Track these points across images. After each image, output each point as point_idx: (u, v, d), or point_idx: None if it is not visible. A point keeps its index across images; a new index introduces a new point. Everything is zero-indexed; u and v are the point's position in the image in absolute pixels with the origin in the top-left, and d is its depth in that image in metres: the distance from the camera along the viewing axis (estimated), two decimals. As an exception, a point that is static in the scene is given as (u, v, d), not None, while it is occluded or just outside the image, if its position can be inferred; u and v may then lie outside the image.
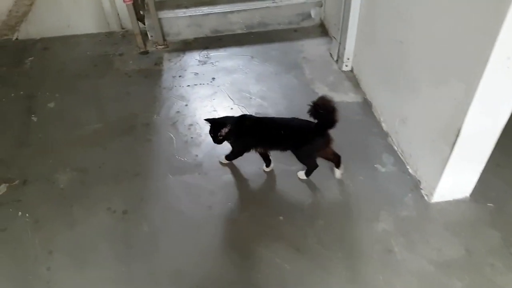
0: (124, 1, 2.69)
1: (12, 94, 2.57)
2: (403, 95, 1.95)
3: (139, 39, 2.86)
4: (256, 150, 1.90)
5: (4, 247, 1.72)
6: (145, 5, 2.92)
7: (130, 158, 2.10)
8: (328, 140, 1.77)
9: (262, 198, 1.91)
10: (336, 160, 1.89)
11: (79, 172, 2.04)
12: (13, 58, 2.92)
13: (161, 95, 2.52)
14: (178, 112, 2.39)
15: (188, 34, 3.04)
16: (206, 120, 1.83)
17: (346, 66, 2.58)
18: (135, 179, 2.00)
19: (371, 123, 2.22)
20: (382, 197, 1.86)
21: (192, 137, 2.22)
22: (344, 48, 2.51)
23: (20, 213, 1.86)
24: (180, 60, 2.83)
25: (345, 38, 2.47)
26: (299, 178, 1.94)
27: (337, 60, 2.66)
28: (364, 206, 1.83)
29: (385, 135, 2.15)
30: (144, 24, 2.97)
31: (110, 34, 3.15)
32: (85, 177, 2.01)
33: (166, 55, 2.88)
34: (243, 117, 1.87)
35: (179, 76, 2.67)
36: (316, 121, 1.68)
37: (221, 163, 2.05)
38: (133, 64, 2.79)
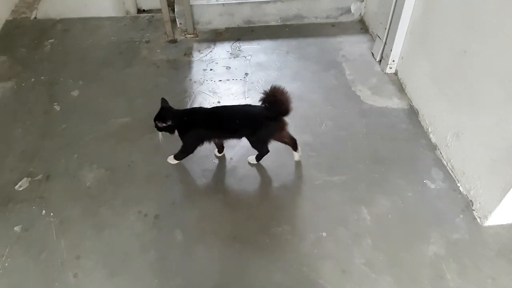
0: (155, -15, 2.54)
1: (33, 79, 2.46)
2: (461, 107, 1.83)
3: (168, 26, 2.72)
4: (210, 142, 1.88)
5: (29, 249, 1.64)
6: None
7: (160, 157, 2.00)
8: (282, 124, 1.77)
9: (301, 210, 1.80)
10: (292, 143, 1.90)
11: (106, 170, 1.94)
12: (32, 39, 2.79)
13: (191, 89, 2.40)
14: (210, 108, 2.28)
15: (220, 23, 2.90)
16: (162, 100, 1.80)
17: (390, 68, 2.44)
18: (165, 181, 1.90)
19: (418, 133, 2.10)
20: (432, 217, 1.75)
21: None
22: (390, 49, 2.37)
23: (44, 211, 1.77)
24: (210, 51, 2.70)
25: (392, 38, 2.33)
26: (249, 163, 1.95)
27: (380, 61, 2.53)
28: (414, 225, 1.72)
29: (433, 147, 2.03)
30: (173, 10, 2.83)
31: (135, 19, 3.01)
32: (113, 175, 1.91)
33: (195, 45, 2.75)
34: (193, 110, 1.89)
35: (210, 70, 2.55)
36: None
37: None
38: (161, 53, 2.66)
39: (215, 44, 2.77)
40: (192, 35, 2.82)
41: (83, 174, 1.92)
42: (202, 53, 2.69)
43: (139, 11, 3.09)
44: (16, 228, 1.70)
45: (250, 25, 2.93)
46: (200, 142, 1.84)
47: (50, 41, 2.76)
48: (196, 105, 2.29)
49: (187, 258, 1.61)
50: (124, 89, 2.39)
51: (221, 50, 2.71)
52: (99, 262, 1.60)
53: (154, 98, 2.32)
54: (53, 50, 2.68)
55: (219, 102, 2.32)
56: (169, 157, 1.95)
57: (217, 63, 2.60)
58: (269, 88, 1.70)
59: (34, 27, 2.92)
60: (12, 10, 3.08)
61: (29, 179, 1.90)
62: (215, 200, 1.83)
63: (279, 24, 2.95)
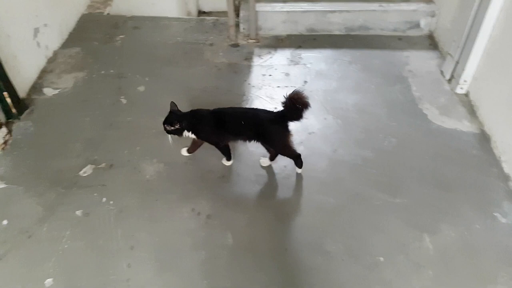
0: (224, -10, 2.61)
1: (103, 72, 2.60)
2: (542, 137, 1.70)
3: (232, 30, 2.78)
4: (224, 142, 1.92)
5: (87, 234, 1.73)
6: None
7: (216, 159, 2.03)
8: (287, 129, 1.79)
9: (358, 231, 1.74)
10: (274, 152, 1.93)
11: (165, 164, 2.00)
12: (105, 33, 2.96)
13: (250, 93, 2.43)
14: (266, 114, 2.29)
15: (282, 30, 2.92)
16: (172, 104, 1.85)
17: (461, 88, 2.32)
18: (220, 182, 1.93)
19: (489, 161, 1.98)
20: (501, 254, 1.63)
21: (281, 145, 2.11)
22: (463, 69, 2.25)
23: (104, 199, 1.86)
24: (271, 57, 2.72)
25: (466, 57, 2.21)
26: (261, 166, 1.97)
27: (450, 80, 2.41)
28: (480, 261, 1.61)
29: (505, 178, 1.90)
30: (238, 15, 2.89)
31: (201, 21, 3.10)
32: (171, 171, 1.98)
33: (256, 50, 2.79)
34: (200, 111, 1.86)
35: (269, 75, 2.56)
36: (281, 111, 1.75)
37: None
38: (223, 56, 2.72)
39: (275, 50, 2.79)
40: (254, 40, 2.86)
41: (144, 166, 1.99)
42: (262, 58, 2.71)
43: (200, 13, 3.19)
44: (78, 212, 1.80)
45: (313, 33, 2.92)
46: (221, 137, 1.88)
47: (121, 36, 2.92)
48: (254, 109, 2.31)
49: (236, 263, 1.62)
50: (186, 88, 2.47)
51: (281, 57, 2.72)
52: (151, 255, 1.65)
53: (213, 99, 2.39)
54: (123, 45, 2.83)
55: (275, 108, 2.32)
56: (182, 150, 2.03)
57: (276, 69, 2.61)
58: (292, 93, 1.73)
59: (107, 22, 3.10)
60: (88, 5, 3.30)
61: (93, 166, 2.00)
62: (266, 207, 1.83)
63: (343, 33, 2.91)
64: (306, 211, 1.81)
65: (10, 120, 2.24)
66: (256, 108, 1.90)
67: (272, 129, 1.79)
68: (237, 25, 2.89)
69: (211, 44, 2.83)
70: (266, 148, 1.95)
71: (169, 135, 1.82)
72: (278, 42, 2.87)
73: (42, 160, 2.03)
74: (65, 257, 1.64)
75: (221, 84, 2.50)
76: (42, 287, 1.54)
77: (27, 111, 2.31)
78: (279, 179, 1.94)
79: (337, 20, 2.86)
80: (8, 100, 2.17)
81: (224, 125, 1.82)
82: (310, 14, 2.85)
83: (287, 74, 2.57)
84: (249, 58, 2.72)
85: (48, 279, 1.57)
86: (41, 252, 1.65)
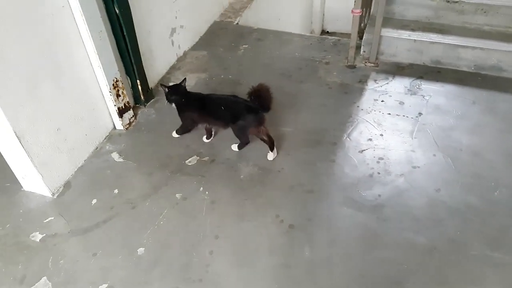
0: (352, 12, 2.70)
1: (222, 76, 2.90)
2: None
3: (352, 52, 2.85)
4: (201, 124, 2.27)
5: (181, 216, 1.95)
6: (368, 19, 2.89)
7: (308, 173, 2.11)
8: (261, 119, 2.10)
9: (447, 279, 1.64)
10: (270, 143, 2.18)
11: (259, 169, 2.15)
12: (231, 41, 3.29)
13: (357, 116, 2.45)
14: (370, 140, 2.29)
15: (404, 57, 2.88)
16: (161, 85, 2.18)
17: None
18: (307, 196, 2.00)
19: None
20: None
21: (379, 173, 2.09)
22: None
23: (201, 188, 2.07)
24: (387, 83, 2.71)
25: None
26: (232, 149, 2.25)
27: None
28: None
29: None
30: (360, 37, 2.94)
31: (321, 40, 3.24)
32: (263, 176, 2.12)
33: (373, 74, 2.80)
34: (191, 94, 2.23)
35: (382, 101, 2.56)
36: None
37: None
38: (336, 76, 2.80)
39: (393, 77, 2.76)
40: (372, 64, 2.88)
41: (240, 167, 2.17)
42: (377, 83, 2.72)
43: (323, 32, 3.32)
44: (177, 195, 2.05)
45: (438, 66, 2.82)
46: (193, 122, 2.28)
47: (244, 46, 3.21)
48: (357, 132, 2.33)
49: (310, 277, 1.67)
50: (294, 101, 2.61)
51: (399, 84, 2.69)
52: (232, 249, 1.79)
53: (318, 116, 2.48)
54: (245, 54, 3.12)
55: (381, 135, 2.31)
56: (173, 132, 2.36)
57: (390, 96, 2.59)
58: (256, 84, 2.08)
59: (234, 31, 3.44)
60: (221, 13, 3.70)
61: (198, 158, 2.25)
62: (353, 231, 1.83)
63: (471, 71, 2.74)
64: (393, 244, 1.77)
65: (137, 105, 2.64)
66: (235, 96, 2.18)
67: (247, 117, 2.10)
68: (357, 47, 2.95)
69: (327, 63, 2.93)
70: (263, 140, 2.19)
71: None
72: (398, 69, 2.83)
73: (157, 144, 2.36)
74: (159, 232, 1.88)
75: (329, 103, 2.58)
76: (135, 254, 1.79)
77: (152, 100, 2.69)
78: (369, 206, 1.93)
79: (467, 56, 2.71)
80: (139, 87, 2.57)
81: (205, 108, 2.18)
82: (438, 46, 2.76)
83: (401, 103, 2.53)
84: (363, 81, 2.74)
85: (141, 248, 1.82)
86: (140, 223, 1.92)
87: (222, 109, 2.15)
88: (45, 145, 1.95)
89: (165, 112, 2.56)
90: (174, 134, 2.38)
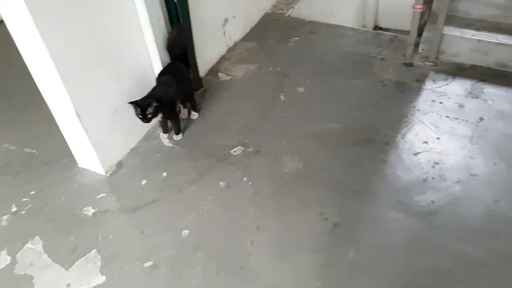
0: (413, 8, 2.65)
1: (271, 68, 2.95)
2: None
3: (409, 49, 2.80)
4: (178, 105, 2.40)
5: (225, 203, 2.02)
6: (429, 16, 2.82)
7: (357, 172, 2.11)
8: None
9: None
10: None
11: (304, 164, 2.18)
12: (281, 33, 3.32)
13: (412, 116, 2.41)
14: (425, 142, 2.25)
15: (467, 58, 2.78)
16: (130, 103, 2.07)
17: None
18: (355, 196, 2.01)
19: None
20: None
21: (433, 178, 2.06)
22: None
23: (245, 178, 2.14)
24: (446, 84, 2.64)
25: None
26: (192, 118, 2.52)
27: None
28: None
29: None
30: (419, 35, 2.88)
31: (377, 35, 3.20)
32: (308, 171, 2.14)
33: (431, 74, 2.73)
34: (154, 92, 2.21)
35: (440, 103, 2.50)
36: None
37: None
38: (392, 73, 2.77)
39: (453, 78, 2.68)
40: (431, 63, 2.81)
41: (285, 160, 2.21)
42: (436, 83, 2.65)
43: (376, 27, 3.27)
44: (221, 183, 2.12)
45: (503, 69, 2.70)
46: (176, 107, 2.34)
47: (295, 38, 3.23)
48: (412, 133, 2.30)
49: (352, 278, 1.68)
50: (344, 97, 2.61)
51: (459, 86, 2.61)
52: (273, 241, 1.84)
53: (370, 114, 2.47)
54: (295, 47, 3.14)
55: (438, 138, 2.26)
56: (175, 136, 2.41)
57: (449, 97, 2.52)
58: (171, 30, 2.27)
59: (286, 23, 3.47)
60: (273, 5, 3.74)
61: (243, 148, 2.32)
62: (401, 236, 1.82)
63: (543, 76, 2.61)
64: (443, 253, 1.74)
65: (187, 93, 2.75)
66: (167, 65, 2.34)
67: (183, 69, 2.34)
68: (416, 45, 2.88)
69: (382, 59, 2.90)
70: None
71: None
72: (459, 70, 2.75)
73: (204, 132, 2.45)
74: (203, 216, 1.96)
75: (383, 101, 2.55)
76: (180, 235, 1.89)
77: (201, 89, 2.79)
78: (421, 212, 1.90)
79: (539, 59, 2.59)
80: (191, 76, 2.67)
81: (168, 91, 2.22)
82: (505, 48, 2.64)
83: (461, 106, 2.46)
84: (421, 80, 2.69)
85: (185, 231, 1.91)
86: (185, 207, 2.02)
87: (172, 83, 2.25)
88: (101, 125, 2.09)
89: (213, 101, 2.65)
90: (176, 137, 2.41)
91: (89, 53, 1.94)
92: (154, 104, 2.09)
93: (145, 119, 2.10)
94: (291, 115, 2.51)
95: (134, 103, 2.08)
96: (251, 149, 2.30)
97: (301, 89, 2.71)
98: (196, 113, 2.53)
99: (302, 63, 2.95)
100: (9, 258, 1.85)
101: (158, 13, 2.20)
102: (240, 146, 2.33)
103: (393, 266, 1.72)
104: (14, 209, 2.05)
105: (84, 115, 1.98)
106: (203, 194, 2.07)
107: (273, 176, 2.13)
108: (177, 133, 2.39)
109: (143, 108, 2.07)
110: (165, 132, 2.42)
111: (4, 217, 2.02)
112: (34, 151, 2.37)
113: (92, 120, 2.03)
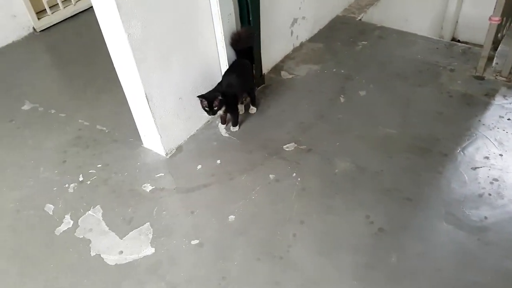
0: (490, 20, 2.55)
1: (334, 70, 2.99)
2: None
3: (482, 62, 2.70)
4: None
5: (272, 195, 2.11)
6: (508, 30, 2.70)
7: (410, 180, 2.10)
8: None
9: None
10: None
11: (356, 167, 2.20)
12: (350, 36, 3.34)
13: (476, 130, 2.34)
14: (486, 158, 2.17)
15: (547, 75, 2.63)
16: (198, 97, 2.25)
17: None
18: (404, 203, 2.00)
19: None
20: None
21: (490, 194, 1.99)
22: None
23: (294, 174, 2.21)
24: (519, 101, 2.51)
25: None
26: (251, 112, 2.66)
27: None
28: None
29: None
30: (495, 48, 2.76)
31: (450, 46, 3.11)
32: (359, 174, 2.16)
33: (503, 89, 2.61)
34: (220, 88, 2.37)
35: (508, 119, 2.39)
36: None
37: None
38: (460, 85, 2.68)
39: (531, 95, 2.55)
40: (504, 79, 2.68)
41: (336, 161, 2.25)
42: (507, 99, 2.53)
43: (453, 40, 3.17)
44: (271, 176, 2.21)
45: None
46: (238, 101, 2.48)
47: (363, 42, 3.24)
48: (473, 147, 2.23)
49: (391, 284, 1.69)
50: (406, 104, 2.58)
51: (533, 105, 2.48)
52: (315, 237, 1.89)
53: (430, 123, 2.43)
54: (362, 51, 3.15)
55: (501, 155, 2.17)
56: (232, 128, 2.53)
57: (520, 115, 2.41)
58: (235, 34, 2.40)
59: (356, 27, 3.48)
60: (345, 8, 3.77)
61: (296, 145, 2.39)
62: (448, 248, 1.79)
63: None
64: (491, 271, 1.69)
65: (249, 87, 2.87)
66: (234, 62, 2.49)
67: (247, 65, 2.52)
68: (490, 59, 2.77)
69: (451, 70, 2.82)
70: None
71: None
72: (534, 88, 2.61)
73: (260, 126, 2.56)
74: (250, 204, 2.07)
75: (447, 112, 2.49)
76: (226, 219, 2.01)
77: (263, 85, 2.90)
78: (472, 226, 1.85)
79: None
80: (253, 72, 2.80)
81: (232, 87, 2.36)
82: None
83: (531, 125, 2.34)
84: (490, 94, 2.58)
85: (232, 216, 2.02)
86: (234, 194, 2.14)
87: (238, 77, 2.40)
88: (167, 110, 2.28)
89: (272, 98, 2.76)
90: (233, 129, 2.53)
91: (163, 41, 2.11)
92: (220, 98, 2.25)
93: (211, 111, 2.27)
94: (348, 117, 2.54)
95: (202, 97, 2.25)
96: (303, 147, 2.37)
97: (362, 93, 2.72)
98: (254, 108, 2.64)
99: (367, 67, 2.96)
100: (71, 222, 2.07)
101: (230, 9, 2.34)
102: (293, 143, 2.40)
103: (437, 277, 1.70)
104: (81, 179, 2.30)
105: (152, 99, 2.17)
106: (252, 184, 2.18)
107: (322, 175, 2.18)
108: (234, 125, 2.52)
109: (210, 101, 2.24)
110: (223, 123, 2.56)
111: (72, 185, 2.27)
112: (105, 128, 2.62)
113: (159, 105, 2.22)
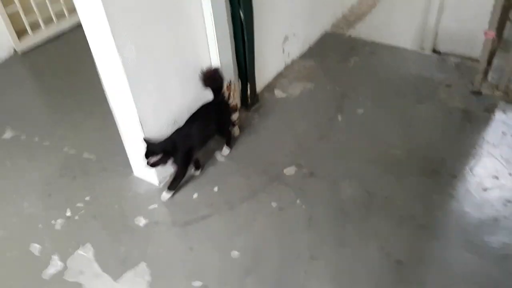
0: (485, 34, 2.41)
1: (328, 87, 2.79)
2: None
3: (479, 77, 2.55)
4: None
5: (277, 226, 1.89)
6: (500, 43, 2.57)
7: (421, 205, 1.91)
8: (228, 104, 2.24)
9: None
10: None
11: (364, 191, 2.00)
12: (341, 53, 3.17)
13: (481, 149, 2.17)
14: (496, 177, 2.01)
15: (544, 89, 2.50)
16: (144, 139, 1.88)
17: None
18: (419, 231, 1.81)
19: None
20: None
21: (505, 216, 1.82)
22: None
23: (298, 201, 1.99)
24: (519, 116, 2.37)
25: None
26: (223, 155, 2.27)
27: None
28: None
29: None
30: (489, 63, 2.62)
31: (442, 60, 2.97)
32: (368, 200, 1.97)
33: (501, 104, 2.47)
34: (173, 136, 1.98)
35: (511, 136, 2.24)
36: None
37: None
38: (459, 100, 2.53)
39: (529, 110, 2.41)
40: (501, 93, 2.55)
41: (342, 185, 2.05)
42: (507, 114, 2.39)
43: (434, 51, 3.05)
44: (273, 204, 1.99)
45: None
46: (190, 160, 2.07)
47: (355, 58, 3.07)
48: (480, 166, 2.07)
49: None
50: (407, 123, 2.41)
51: (533, 119, 2.34)
52: (329, 273, 1.68)
53: (435, 143, 2.25)
54: (355, 67, 2.98)
55: (510, 174, 2.01)
56: (162, 194, 2.05)
57: (524, 131, 2.26)
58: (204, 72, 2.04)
59: (345, 43, 3.31)
60: (333, 24, 3.60)
61: (296, 169, 2.17)
62: (472, 280, 1.61)
63: None
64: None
65: (242, 108, 2.65)
66: (200, 108, 2.09)
67: (224, 105, 2.20)
68: (484, 73, 2.63)
69: (448, 85, 2.67)
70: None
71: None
72: (534, 103, 2.47)
73: (257, 149, 2.34)
74: (253, 237, 1.84)
75: (449, 129, 2.34)
76: (229, 256, 1.77)
77: (256, 104, 2.69)
78: (494, 254, 1.68)
79: None
80: (248, 92, 2.58)
81: (195, 134, 2.02)
82: None
83: (536, 140, 2.20)
84: (490, 110, 2.43)
85: (235, 251, 1.79)
86: (235, 225, 1.91)
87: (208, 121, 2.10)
88: (161, 136, 2.03)
89: (267, 118, 2.54)
90: (166, 196, 2.04)
91: (159, 64, 1.90)
92: (156, 157, 1.88)
93: (145, 162, 1.89)
94: (349, 137, 2.34)
95: (146, 141, 1.88)
96: (305, 170, 2.16)
97: (360, 111, 2.54)
98: (228, 150, 2.28)
99: (362, 84, 2.78)
100: (60, 264, 1.81)
101: (225, 29, 2.13)
102: (293, 166, 2.19)
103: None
104: (68, 214, 2.03)
105: (146, 125, 1.93)
106: (254, 214, 1.95)
107: (329, 202, 1.97)
108: (169, 188, 2.05)
109: (146, 153, 1.88)
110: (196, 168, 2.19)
111: (59, 221, 2.00)
112: (92, 157, 2.35)
113: (153, 130, 1.98)
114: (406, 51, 3.13)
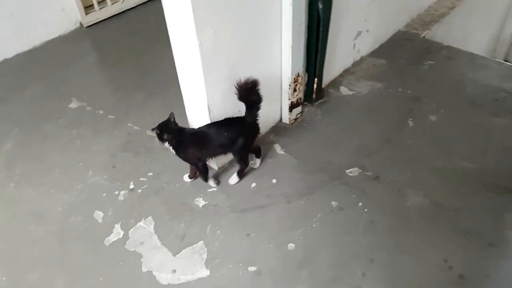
0: None
1: (400, 89, 2.85)
2: None
3: None
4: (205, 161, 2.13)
5: (335, 225, 1.99)
6: None
7: (491, 222, 1.95)
8: (256, 126, 2.13)
9: None
10: (257, 150, 2.28)
11: (430, 201, 2.06)
12: (414, 54, 3.20)
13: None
14: None
15: None
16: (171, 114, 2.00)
17: None
18: (487, 248, 1.85)
19: None
20: None
21: None
22: None
23: (360, 203, 2.08)
24: None
25: None
26: (231, 184, 2.22)
27: None
28: None
29: None
30: None
31: (524, 73, 2.94)
32: (435, 211, 2.02)
33: None
34: (185, 130, 2.06)
35: None
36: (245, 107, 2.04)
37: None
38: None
39: None
40: None
41: (408, 193, 2.11)
42: None
43: (506, 61, 2.99)
44: (333, 203, 2.09)
45: None
46: (196, 159, 2.11)
47: (430, 62, 3.09)
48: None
49: None
50: (483, 136, 2.42)
51: None
52: (388, 279, 1.76)
53: (509, 159, 2.27)
54: (429, 71, 3.00)
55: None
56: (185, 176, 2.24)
57: None
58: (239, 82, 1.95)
59: (420, 44, 3.34)
60: (407, 23, 3.62)
61: (360, 171, 2.26)
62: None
63: None
64: None
65: (306, 103, 2.76)
66: (226, 119, 2.08)
67: (252, 127, 2.11)
68: None
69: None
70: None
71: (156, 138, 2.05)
72: None
73: (318, 145, 2.44)
74: (311, 234, 1.95)
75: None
76: (285, 247, 1.90)
77: (321, 100, 2.79)
78: None
79: None
80: (314, 86, 2.69)
81: (206, 143, 2.04)
82: None
83: None
84: None
85: (291, 244, 1.91)
86: (292, 219, 2.03)
87: (224, 134, 2.03)
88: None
89: (331, 115, 2.64)
90: (186, 178, 2.25)
91: (232, 51, 2.03)
92: (157, 131, 2.02)
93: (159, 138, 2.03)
94: (419, 144, 2.40)
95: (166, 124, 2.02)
96: (369, 173, 2.24)
97: (433, 118, 2.58)
98: (237, 178, 2.24)
99: (436, 89, 2.81)
100: (121, 232, 2.01)
101: (301, 18, 2.24)
102: (357, 168, 2.28)
103: None
104: (131, 187, 2.24)
105: (213, 110, 2.09)
106: (312, 211, 2.06)
107: (393, 208, 2.05)
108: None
109: (160, 129, 2.03)
110: (190, 177, 2.26)
111: (122, 192, 2.21)
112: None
113: (219, 116, 2.13)
114: (485, 59, 3.10)
